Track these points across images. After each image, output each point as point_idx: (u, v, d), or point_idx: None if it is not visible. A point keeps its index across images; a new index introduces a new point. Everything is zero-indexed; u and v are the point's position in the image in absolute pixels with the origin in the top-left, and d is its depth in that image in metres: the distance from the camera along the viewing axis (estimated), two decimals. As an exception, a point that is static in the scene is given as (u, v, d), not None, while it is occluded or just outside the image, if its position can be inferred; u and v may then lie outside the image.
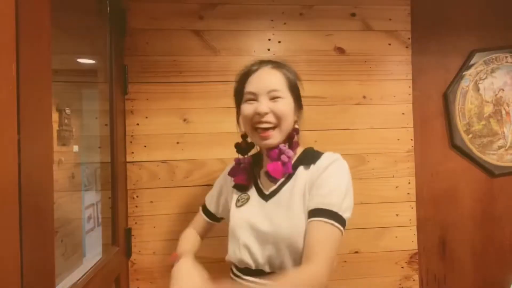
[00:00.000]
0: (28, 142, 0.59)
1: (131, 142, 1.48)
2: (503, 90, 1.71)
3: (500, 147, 1.70)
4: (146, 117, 1.49)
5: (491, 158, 1.69)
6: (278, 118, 0.95)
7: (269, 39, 1.55)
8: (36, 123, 0.64)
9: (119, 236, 1.37)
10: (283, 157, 0.98)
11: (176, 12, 1.50)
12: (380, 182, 1.59)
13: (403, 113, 1.62)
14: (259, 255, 0.96)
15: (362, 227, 1.56)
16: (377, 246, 1.58)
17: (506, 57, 1.71)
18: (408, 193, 1.61)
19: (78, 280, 1.00)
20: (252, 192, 1.05)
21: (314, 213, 0.90)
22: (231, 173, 1.10)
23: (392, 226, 1.59)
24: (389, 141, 1.60)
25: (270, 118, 0.95)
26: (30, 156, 0.60)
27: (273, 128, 0.96)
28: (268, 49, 1.55)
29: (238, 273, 1.02)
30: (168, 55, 1.50)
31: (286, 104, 0.97)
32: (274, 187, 1.00)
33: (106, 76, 1.37)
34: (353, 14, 1.60)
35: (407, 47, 1.62)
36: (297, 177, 0.97)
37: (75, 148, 1.33)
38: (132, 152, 1.48)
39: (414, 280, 1.60)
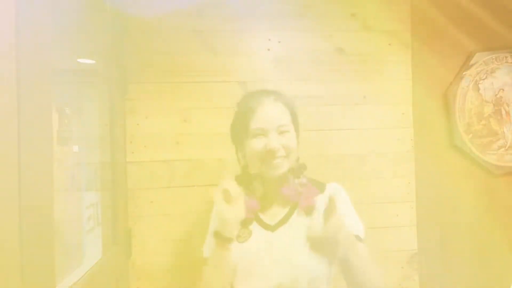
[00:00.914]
0: (28, 142, 0.59)
1: (131, 142, 1.48)
2: (503, 90, 1.71)
3: (500, 147, 1.70)
4: (146, 117, 1.49)
5: (491, 158, 1.69)
6: (288, 150, 0.98)
7: (269, 39, 1.55)
8: (36, 123, 0.64)
9: (119, 236, 1.37)
10: (296, 187, 1.03)
11: (176, 12, 1.50)
12: (380, 182, 1.59)
13: (403, 113, 1.62)
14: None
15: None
16: (377, 246, 1.58)
17: (506, 57, 1.70)
18: (408, 193, 1.61)
19: (78, 280, 1.00)
20: (252, 226, 1.03)
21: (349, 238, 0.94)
22: None
23: (392, 226, 1.59)
24: (389, 141, 1.60)
25: (281, 152, 0.98)
26: (30, 156, 0.60)
27: (284, 157, 0.99)
28: (268, 49, 1.55)
29: None
30: (168, 55, 1.50)
31: (293, 137, 1.01)
32: (281, 215, 1.02)
33: (106, 76, 1.37)
34: (353, 14, 1.60)
35: (407, 47, 1.62)
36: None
37: (75, 148, 1.33)
38: (132, 152, 1.48)
39: (414, 280, 1.60)
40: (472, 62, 1.69)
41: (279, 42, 1.56)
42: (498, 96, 1.70)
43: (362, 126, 1.59)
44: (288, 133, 1.00)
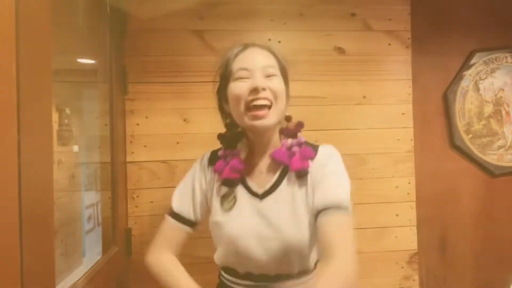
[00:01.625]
0: (28, 142, 0.59)
1: (131, 142, 1.48)
2: (503, 90, 1.71)
3: (500, 147, 1.70)
4: (146, 117, 1.49)
5: (491, 158, 1.69)
6: (275, 95, 0.87)
7: (269, 39, 1.55)
8: (36, 123, 0.64)
9: (119, 236, 1.37)
10: (294, 149, 0.91)
11: (176, 12, 1.50)
12: (380, 182, 1.59)
13: (403, 113, 1.62)
14: (263, 260, 0.88)
15: (362, 227, 1.56)
16: (377, 246, 1.58)
17: (506, 57, 1.71)
18: (408, 193, 1.61)
19: (78, 280, 1.00)
20: (239, 191, 0.93)
21: (325, 209, 0.84)
22: (218, 168, 0.95)
23: (392, 226, 1.59)
24: (389, 141, 1.60)
25: (267, 94, 0.86)
26: (30, 156, 0.60)
27: (269, 107, 0.87)
28: (268, 49, 1.55)
29: (234, 279, 0.94)
30: (168, 55, 1.50)
31: (281, 82, 0.90)
32: (269, 184, 0.92)
33: (106, 76, 1.37)
34: (353, 14, 1.60)
35: (407, 47, 1.62)
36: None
37: (75, 148, 1.33)
38: (132, 152, 1.48)
39: (414, 280, 1.60)
40: (472, 62, 1.69)
41: (279, 42, 1.56)
42: (498, 96, 1.70)
43: (362, 126, 1.59)
44: (275, 76, 0.89)
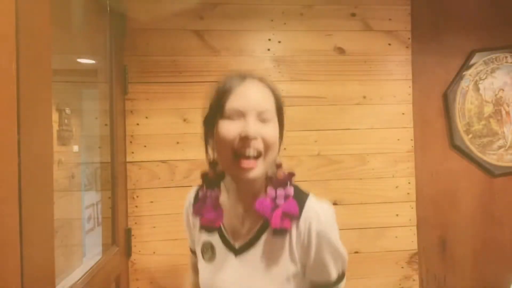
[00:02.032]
0: (28, 142, 0.59)
1: (131, 142, 1.48)
2: (503, 90, 1.71)
3: (500, 147, 1.70)
4: (146, 117, 1.49)
5: (491, 158, 1.69)
6: (266, 146, 0.75)
7: (269, 39, 1.55)
8: (36, 123, 0.64)
9: (119, 236, 1.37)
10: (279, 201, 0.79)
11: (176, 12, 1.50)
12: (380, 182, 1.59)
13: (403, 113, 1.62)
14: None
15: (362, 227, 1.56)
16: (377, 246, 1.58)
17: (506, 57, 1.70)
18: (408, 193, 1.61)
19: (78, 280, 1.00)
20: (215, 240, 0.85)
21: (325, 286, 0.80)
22: (196, 210, 0.87)
23: (392, 226, 1.59)
24: (389, 141, 1.60)
25: (258, 144, 0.74)
26: (30, 156, 0.60)
27: (257, 157, 0.75)
28: (268, 49, 1.55)
29: None
30: (168, 55, 1.50)
31: (275, 130, 0.78)
32: (248, 238, 0.81)
33: (106, 76, 1.37)
34: (353, 14, 1.60)
35: (407, 47, 1.63)
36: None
37: (75, 148, 1.33)
38: (132, 152, 1.48)
39: (414, 280, 1.60)
40: (472, 62, 1.69)
41: (279, 42, 1.56)
42: (498, 96, 1.70)
43: (362, 126, 1.59)
44: (270, 123, 0.77)
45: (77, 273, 1.06)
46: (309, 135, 1.53)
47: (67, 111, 1.21)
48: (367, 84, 1.60)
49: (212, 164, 0.86)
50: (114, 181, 1.35)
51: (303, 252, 0.79)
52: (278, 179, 0.81)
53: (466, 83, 1.68)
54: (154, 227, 1.48)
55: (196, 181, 1.49)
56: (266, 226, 0.80)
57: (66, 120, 1.20)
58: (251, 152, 0.74)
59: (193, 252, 0.97)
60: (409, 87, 1.62)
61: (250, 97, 0.77)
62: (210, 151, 0.84)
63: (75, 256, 1.25)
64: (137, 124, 1.48)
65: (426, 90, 1.67)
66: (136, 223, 1.47)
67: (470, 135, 1.68)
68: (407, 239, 1.60)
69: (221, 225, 0.84)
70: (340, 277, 0.82)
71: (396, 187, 1.60)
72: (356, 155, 1.58)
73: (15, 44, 0.56)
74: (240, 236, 0.83)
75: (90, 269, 1.10)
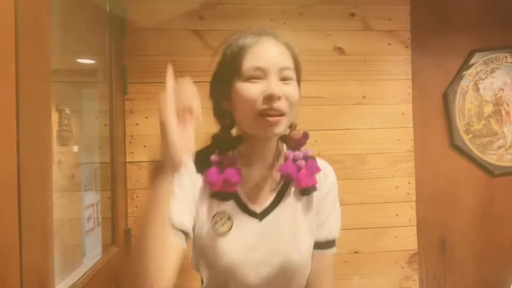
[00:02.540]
0: (27, 142, 0.59)
1: (131, 142, 1.48)
2: (502, 90, 1.71)
3: (500, 147, 1.70)
4: (146, 117, 1.49)
5: (491, 158, 1.69)
6: (290, 105, 0.75)
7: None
8: (35, 123, 0.64)
9: (119, 236, 1.37)
10: (299, 162, 0.80)
11: (176, 12, 1.50)
12: (380, 182, 1.59)
13: (403, 113, 1.62)
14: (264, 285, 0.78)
15: (362, 227, 1.56)
16: (377, 246, 1.58)
17: (506, 57, 1.70)
18: (408, 193, 1.61)
19: (78, 280, 1.00)
20: (231, 209, 0.79)
21: (323, 245, 0.82)
22: (210, 176, 0.78)
23: (392, 226, 1.59)
24: (389, 141, 1.60)
25: (282, 104, 0.73)
26: (30, 156, 0.60)
27: (281, 115, 0.74)
28: (268, 49, 1.55)
29: None
30: (168, 55, 1.50)
31: (296, 89, 0.78)
32: (269, 201, 0.80)
33: (105, 76, 1.37)
34: (353, 14, 1.60)
35: (406, 47, 1.62)
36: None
37: (75, 148, 1.33)
38: (132, 152, 1.48)
39: (414, 280, 1.60)
40: (471, 62, 1.69)
41: (279, 42, 1.56)
42: (497, 96, 1.70)
43: (362, 126, 1.59)
44: (292, 82, 0.77)
45: (77, 273, 1.06)
46: (309, 135, 1.53)
47: (67, 111, 1.21)
48: (367, 84, 1.60)
49: (228, 127, 0.84)
50: (114, 181, 1.35)
51: (321, 203, 0.83)
52: (294, 140, 0.83)
53: (466, 83, 1.68)
54: (154, 227, 1.48)
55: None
56: (285, 187, 0.81)
57: (66, 120, 1.19)
58: (274, 112, 0.72)
59: (182, 231, 0.73)
60: (409, 87, 1.62)
61: (269, 54, 0.76)
62: (223, 114, 0.84)
63: (75, 256, 1.25)
64: (137, 124, 1.48)
65: (426, 90, 1.67)
66: (136, 223, 1.47)
67: (470, 135, 1.68)
68: (407, 239, 1.60)
69: (237, 191, 0.79)
70: (335, 241, 0.85)
71: (396, 187, 1.60)
72: (356, 155, 1.58)
73: (15, 44, 0.56)
74: (258, 200, 0.80)
75: (90, 269, 1.10)
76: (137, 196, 1.47)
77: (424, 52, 1.66)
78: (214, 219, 0.78)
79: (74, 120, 1.28)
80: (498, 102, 1.71)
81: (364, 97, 1.59)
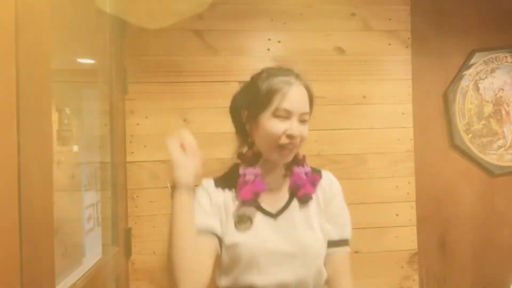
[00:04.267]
0: (28, 142, 0.59)
1: (131, 142, 1.48)
2: (503, 90, 1.71)
3: (500, 147, 1.70)
4: (146, 117, 1.49)
5: (491, 158, 1.69)
6: (302, 140, 0.96)
7: (269, 39, 1.55)
8: (36, 123, 0.64)
9: (119, 236, 1.37)
10: (302, 176, 1.01)
11: (176, 12, 1.50)
12: (380, 182, 1.59)
13: (403, 113, 1.62)
14: (285, 275, 0.92)
15: (362, 227, 1.56)
16: (377, 246, 1.58)
17: (506, 57, 1.71)
18: (408, 193, 1.61)
19: (78, 280, 1.00)
20: (250, 210, 0.96)
21: (337, 244, 0.99)
22: (241, 186, 0.96)
23: (392, 226, 1.59)
24: (389, 141, 1.60)
25: (297, 141, 0.94)
26: (30, 156, 0.60)
27: (294, 149, 0.96)
28: (268, 49, 1.55)
29: None
30: (168, 55, 1.50)
31: (307, 128, 0.97)
32: (282, 204, 0.99)
33: (106, 76, 1.37)
34: (353, 14, 1.60)
35: (407, 47, 1.63)
36: None
37: (75, 148, 1.33)
38: (132, 152, 1.48)
39: (414, 280, 1.60)
40: (471, 61, 1.69)
41: (279, 42, 1.56)
42: (498, 95, 1.70)
43: (362, 126, 1.59)
44: (306, 123, 0.96)
45: (77, 273, 1.06)
46: (309, 135, 1.52)
47: (67, 111, 1.21)
48: (367, 84, 1.60)
49: (251, 144, 1.01)
50: (114, 181, 1.35)
51: (327, 206, 1.01)
52: (299, 160, 1.02)
53: (466, 83, 1.68)
54: (154, 227, 1.48)
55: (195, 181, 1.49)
56: (294, 193, 1.00)
57: (66, 120, 1.19)
58: (291, 147, 0.93)
59: (215, 234, 0.94)
60: (409, 87, 1.62)
61: (296, 99, 0.93)
62: (245, 134, 1.01)
63: (75, 256, 1.25)
64: (137, 124, 1.48)
65: (426, 90, 1.67)
66: (136, 223, 1.47)
67: (470, 135, 1.68)
68: (407, 239, 1.60)
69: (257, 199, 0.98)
70: (349, 241, 1.02)
71: (396, 187, 1.60)
72: (356, 155, 1.58)
73: (15, 44, 0.56)
74: (273, 203, 0.99)
75: (90, 269, 1.10)
76: (137, 196, 1.47)
77: (424, 52, 1.66)
78: (236, 220, 0.96)
79: (74, 120, 1.28)
80: (498, 102, 1.71)
81: (364, 97, 1.60)
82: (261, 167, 0.99)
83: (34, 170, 0.62)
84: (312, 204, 1.00)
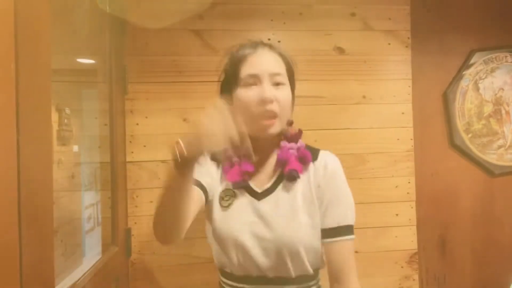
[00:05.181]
0: (27, 142, 0.59)
1: (131, 142, 1.48)
2: (502, 89, 1.71)
3: (500, 147, 1.70)
4: (146, 117, 1.49)
5: (491, 157, 1.69)
6: (282, 107, 0.86)
7: (269, 39, 1.55)
8: (35, 123, 0.64)
9: (119, 236, 1.37)
10: (292, 151, 0.91)
11: (176, 12, 1.50)
12: (380, 182, 1.59)
13: (403, 113, 1.62)
14: (261, 260, 0.87)
15: (362, 227, 1.56)
16: (377, 246, 1.58)
17: (506, 56, 1.70)
18: (408, 193, 1.61)
19: (78, 280, 1.00)
20: (237, 189, 0.92)
21: (335, 232, 0.88)
22: (227, 170, 0.93)
23: (392, 225, 1.59)
24: (389, 141, 1.60)
25: (274, 107, 0.85)
26: (30, 156, 0.60)
27: (274, 117, 0.86)
28: (268, 49, 1.55)
29: (232, 283, 0.91)
30: (168, 55, 1.50)
31: (288, 93, 0.89)
32: (269, 184, 0.91)
33: (106, 76, 1.37)
34: (353, 14, 1.60)
35: (406, 46, 1.62)
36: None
37: (75, 148, 1.33)
38: (132, 152, 1.48)
39: (414, 280, 1.60)
40: (471, 61, 1.69)
41: (279, 42, 1.56)
42: (497, 95, 1.70)
43: (362, 126, 1.59)
44: (283, 86, 0.88)
45: (77, 273, 1.06)
46: (308, 135, 1.52)
47: (67, 111, 1.21)
48: (367, 84, 1.60)
49: None
50: (114, 181, 1.35)
51: (320, 190, 0.89)
52: (291, 135, 0.94)
53: (465, 82, 1.68)
54: (154, 227, 1.48)
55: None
56: (282, 172, 0.91)
57: (66, 120, 1.19)
58: (268, 113, 0.84)
59: (198, 185, 0.90)
60: (409, 86, 1.62)
61: (262, 62, 0.86)
62: None
63: (75, 256, 1.25)
64: (137, 124, 1.48)
65: (426, 89, 1.67)
66: (136, 223, 1.47)
67: (470, 135, 1.68)
68: (407, 239, 1.60)
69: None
70: (352, 227, 0.90)
71: (396, 186, 1.60)
72: (355, 154, 1.58)
73: (15, 44, 0.56)
74: (260, 183, 0.92)
75: (90, 269, 1.10)
76: (137, 196, 1.47)
77: (424, 52, 1.66)
78: (220, 195, 0.92)
79: (74, 120, 1.28)
80: (498, 102, 1.71)
81: (364, 97, 1.60)
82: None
83: (34, 170, 0.62)
84: (300, 185, 0.90)
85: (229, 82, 0.90)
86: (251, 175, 0.92)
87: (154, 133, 1.49)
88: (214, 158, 0.97)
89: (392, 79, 1.61)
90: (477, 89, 1.69)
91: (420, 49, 1.65)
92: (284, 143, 0.92)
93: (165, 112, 1.49)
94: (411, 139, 1.62)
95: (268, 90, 0.84)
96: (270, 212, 0.88)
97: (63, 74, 1.18)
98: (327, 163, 0.92)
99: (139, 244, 1.47)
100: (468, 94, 1.68)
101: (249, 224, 0.88)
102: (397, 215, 1.60)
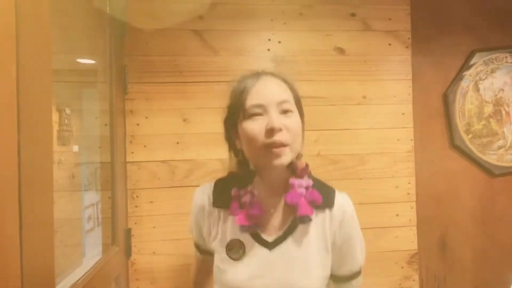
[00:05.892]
0: (28, 142, 0.59)
1: (131, 142, 1.48)
2: (503, 90, 1.71)
3: (500, 147, 1.70)
4: (146, 117, 1.49)
5: (491, 158, 1.69)
6: (291, 135, 0.79)
7: (269, 39, 1.55)
8: (36, 123, 0.64)
9: (119, 236, 1.37)
10: (301, 190, 0.83)
11: (176, 12, 1.50)
12: (380, 182, 1.59)
13: (403, 113, 1.62)
14: None
15: (362, 227, 1.54)
16: (377, 246, 1.58)
17: (506, 57, 1.71)
18: (408, 193, 1.61)
19: (78, 280, 1.00)
20: (244, 235, 0.84)
21: (347, 278, 0.89)
22: (233, 210, 0.85)
23: (392, 226, 1.59)
24: (389, 141, 1.60)
25: (284, 136, 0.77)
26: (30, 156, 0.60)
27: (284, 146, 0.78)
28: (268, 49, 1.55)
29: None
30: (168, 55, 1.50)
31: (297, 120, 0.82)
32: (280, 232, 0.84)
33: (106, 76, 1.37)
34: (353, 14, 1.60)
35: (407, 47, 1.63)
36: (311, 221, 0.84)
37: (75, 148, 1.33)
38: (132, 152, 1.48)
39: (414, 280, 1.60)
40: (472, 62, 1.69)
41: (279, 42, 1.56)
42: (498, 96, 1.70)
43: (362, 126, 1.59)
44: (292, 113, 0.81)
45: (77, 273, 1.06)
46: (309, 135, 1.53)
47: (67, 111, 1.21)
48: (367, 84, 1.60)
49: (242, 163, 0.87)
50: (114, 181, 1.35)
51: (336, 238, 0.85)
52: (298, 169, 0.86)
53: (466, 83, 1.68)
54: (154, 227, 1.48)
55: (196, 181, 1.49)
56: (295, 216, 0.84)
57: (66, 120, 1.20)
58: (278, 142, 0.77)
59: (202, 250, 0.98)
60: (409, 87, 1.62)
61: (267, 91, 0.81)
62: (235, 151, 0.88)
63: (75, 256, 1.25)
64: (137, 124, 1.48)
65: (426, 90, 1.67)
66: (136, 223, 1.47)
67: (470, 135, 1.68)
68: (407, 239, 1.60)
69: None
70: (361, 269, 0.90)
71: (396, 187, 1.60)
72: (356, 155, 1.58)
73: (15, 44, 0.56)
74: (271, 230, 0.85)
75: (90, 269, 1.10)
76: (137, 196, 1.47)
77: (424, 52, 1.66)
78: (228, 246, 0.85)
79: (74, 120, 1.28)
80: (498, 103, 1.71)
81: (364, 97, 1.60)
82: (258, 187, 0.86)
83: (34, 170, 0.62)
84: (314, 232, 0.84)
85: (233, 116, 0.84)
86: (260, 218, 0.84)
87: (154, 133, 1.49)
88: (216, 203, 0.90)
89: (392, 79, 1.61)
90: (477, 89, 1.69)
91: (420, 49, 1.65)
92: (292, 181, 0.84)
93: (165, 112, 1.49)
94: (411, 140, 1.62)
95: (275, 118, 0.77)
96: (283, 265, 0.82)
97: (64, 74, 1.18)
98: (345, 210, 0.87)
99: (139, 244, 1.47)
100: (468, 94, 1.68)
101: (260, 280, 0.82)
102: (397, 215, 1.60)
